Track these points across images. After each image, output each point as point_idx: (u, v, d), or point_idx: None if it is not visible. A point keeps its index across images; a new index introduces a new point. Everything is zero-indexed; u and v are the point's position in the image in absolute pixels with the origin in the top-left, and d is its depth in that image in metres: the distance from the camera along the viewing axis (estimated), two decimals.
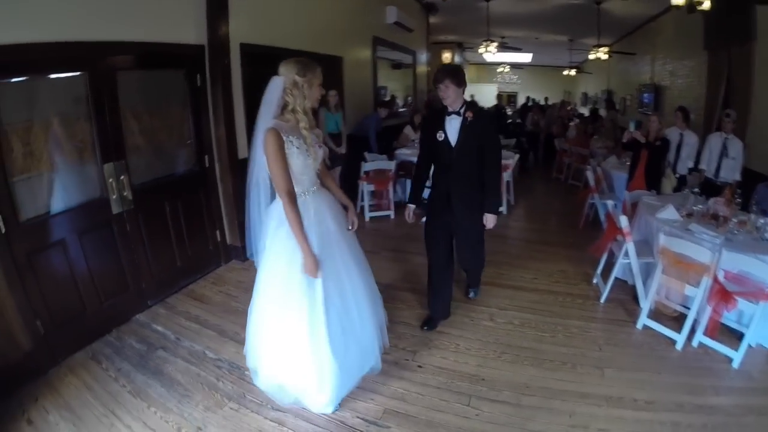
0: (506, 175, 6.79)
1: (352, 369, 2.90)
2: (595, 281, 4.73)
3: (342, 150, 6.77)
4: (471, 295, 4.41)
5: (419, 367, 3.45)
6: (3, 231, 3.28)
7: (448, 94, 3.38)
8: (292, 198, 2.51)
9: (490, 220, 3.63)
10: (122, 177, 4.11)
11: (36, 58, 3.37)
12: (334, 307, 2.76)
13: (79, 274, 3.84)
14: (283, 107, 2.61)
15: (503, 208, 6.93)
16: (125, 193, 4.15)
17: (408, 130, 8.48)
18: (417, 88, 12.42)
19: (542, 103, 16.40)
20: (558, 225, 7.00)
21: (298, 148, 2.58)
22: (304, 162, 2.63)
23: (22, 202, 3.46)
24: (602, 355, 3.60)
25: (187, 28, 4.60)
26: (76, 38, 3.57)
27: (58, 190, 3.72)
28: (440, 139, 3.54)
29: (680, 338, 3.63)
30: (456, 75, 3.38)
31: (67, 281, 3.77)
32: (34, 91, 3.52)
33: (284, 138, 2.52)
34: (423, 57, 12.52)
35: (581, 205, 6.86)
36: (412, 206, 3.95)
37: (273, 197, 2.78)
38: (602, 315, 4.19)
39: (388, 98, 11.31)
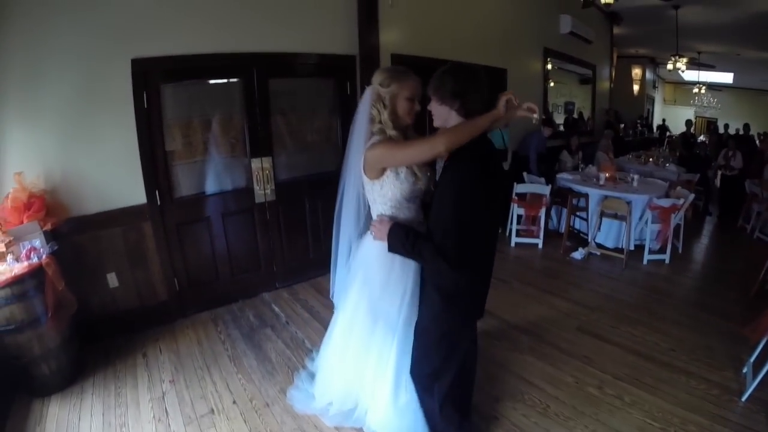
0: (676, 218, 5.63)
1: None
2: (744, 370, 3.45)
3: (506, 166, 6.45)
4: None
5: (495, 418, 3.05)
6: (159, 203, 4.04)
7: (434, 114, 2.15)
8: (440, 141, 1.98)
9: (379, 228, 2.23)
10: (267, 171, 4.62)
11: (198, 66, 4.02)
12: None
13: (218, 248, 4.47)
14: (371, 120, 2.28)
15: (666, 257, 5.68)
16: (269, 186, 4.66)
17: (564, 155, 7.84)
18: (596, 105, 11.36)
19: (740, 132, 12.60)
20: (725, 287, 5.25)
21: (406, 169, 2.25)
22: (411, 188, 2.27)
23: (178, 183, 4.20)
24: None
25: (339, 40, 4.94)
26: (233, 50, 4.14)
27: (210, 177, 4.37)
28: None
29: None
30: (437, 83, 2.06)
31: (206, 252, 4.41)
32: (195, 93, 4.19)
33: None
34: (605, 71, 11.43)
35: (760, 267, 5.13)
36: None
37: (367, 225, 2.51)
38: (736, 418, 3.06)
39: (576, 115, 10.70)
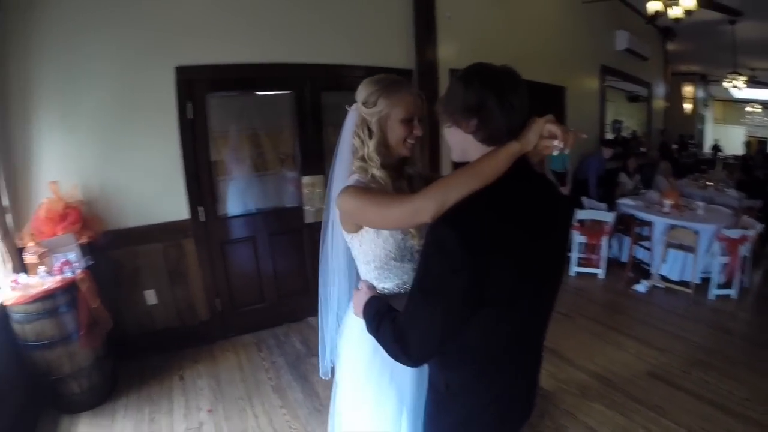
0: (744, 249, 4.90)
1: None
2: None
3: (565, 191, 5.82)
4: None
5: None
6: (202, 219, 3.64)
7: (449, 142, 1.31)
8: (425, 204, 1.17)
9: (355, 300, 1.54)
10: (319, 190, 4.12)
11: (247, 76, 3.62)
12: None
13: (263, 269, 4.02)
14: (354, 152, 1.56)
15: (733, 291, 4.84)
16: (320, 206, 4.14)
17: (623, 177, 7.00)
18: (652, 125, 10.31)
19: None
20: None
21: None
22: (399, 246, 1.49)
23: (224, 199, 3.80)
24: None
25: (395, 53, 4.47)
26: (286, 61, 3.73)
27: (257, 193, 3.97)
28: None
29: None
30: (446, 96, 1.23)
31: (251, 272, 3.97)
32: (244, 105, 3.81)
33: None
34: (660, 90, 10.46)
35: None
36: None
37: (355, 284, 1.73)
38: None
39: (627, 135, 9.87)
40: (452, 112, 1.19)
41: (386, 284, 1.55)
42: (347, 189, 1.42)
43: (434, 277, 1.11)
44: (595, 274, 5.36)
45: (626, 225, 5.36)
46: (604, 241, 5.26)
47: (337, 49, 4.00)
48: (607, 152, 6.62)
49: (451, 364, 1.25)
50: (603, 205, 5.60)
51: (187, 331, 3.72)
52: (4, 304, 2.72)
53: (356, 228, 1.49)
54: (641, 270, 5.30)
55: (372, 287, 1.53)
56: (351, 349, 1.64)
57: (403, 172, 1.60)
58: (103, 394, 3.07)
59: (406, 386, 1.57)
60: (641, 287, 4.93)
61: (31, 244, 2.91)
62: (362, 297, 1.46)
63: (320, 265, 1.75)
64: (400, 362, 1.25)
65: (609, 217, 5.23)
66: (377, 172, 1.47)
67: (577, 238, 5.34)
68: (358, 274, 1.64)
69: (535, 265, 1.16)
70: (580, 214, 5.37)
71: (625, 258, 5.39)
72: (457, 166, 1.21)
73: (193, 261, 3.67)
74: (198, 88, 3.44)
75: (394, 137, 1.48)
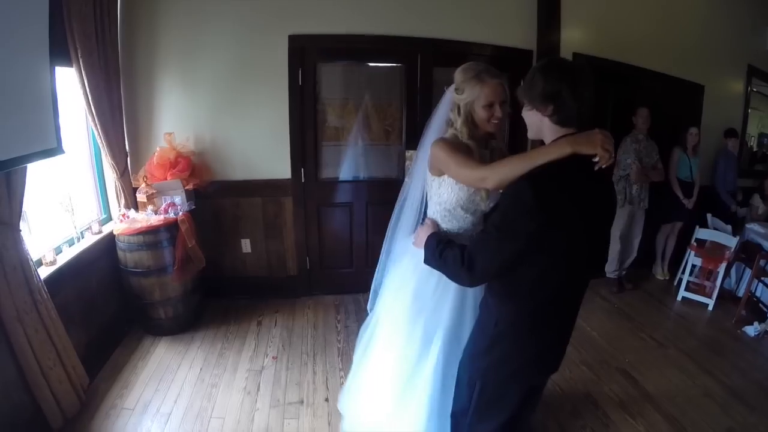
0: None
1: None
2: None
3: (690, 204, 4.73)
4: None
5: None
6: (303, 181, 3.55)
7: (526, 122, 1.43)
8: (490, 176, 1.42)
9: (419, 235, 1.70)
10: None
11: (358, 47, 3.43)
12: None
13: (356, 236, 3.83)
14: (448, 123, 1.73)
15: None
16: None
17: (756, 200, 5.50)
18: None
19: None
20: None
21: None
22: (469, 197, 1.67)
23: (325, 163, 3.66)
24: None
25: (515, 32, 3.92)
26: (397, 33, 3.46)
27: (359, 162, 3.76)
28: None
29: None
30: (526, 84, 1.35)
31: (343, 237, 3.82)
32: (353, 75, 3.61)
33: None
34: None
35: None
36: None
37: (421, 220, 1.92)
38: None
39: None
40: (532, 98, 1.33)
41: (448, 226, 1.77)
42: (441, 140, 1.67)
43: (509, 219, 1.26)
44: (705, 305, 4.34)
45: (750, 255, 4.27)
46: (722, 268, 4.27)
47: (452, 24, 3.60)
48: (732, 144, 5.33)
49: (506, 301, 1.40)
50: (728, 227, 4.52)
51: (274, 282, 3.72)
52: (113, 232, 2.92)
53: (440, 173, 1.71)
54: (758, 310, 4.15)
55: (436, 224, 1.75)
56: (396, 285, 1.99)
57: (488, 144, 1.77)
58: (186, 324, 3.20)
59: (442, 321, 1.79)
60: (751, 329, 3.84)
61: (143, 185, 3.03)
62: (426, 230, 1.67)
63: (396, 206, 2.07)
64: (459, 283, 1.47)
65: (732, 242, 4.24)
66: (466, 141, 1.66)
67: (692, 259, 4.41)
68: (424, 213, 1.89)
69: (578, 238, 1.30)
70: (700, 233, 4.43)
71: (741, 292, 4.27)
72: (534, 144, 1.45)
73: (290, 218, 3.62)
74: (309, 56, 3.33)
75: (479, 118, 1.64)
